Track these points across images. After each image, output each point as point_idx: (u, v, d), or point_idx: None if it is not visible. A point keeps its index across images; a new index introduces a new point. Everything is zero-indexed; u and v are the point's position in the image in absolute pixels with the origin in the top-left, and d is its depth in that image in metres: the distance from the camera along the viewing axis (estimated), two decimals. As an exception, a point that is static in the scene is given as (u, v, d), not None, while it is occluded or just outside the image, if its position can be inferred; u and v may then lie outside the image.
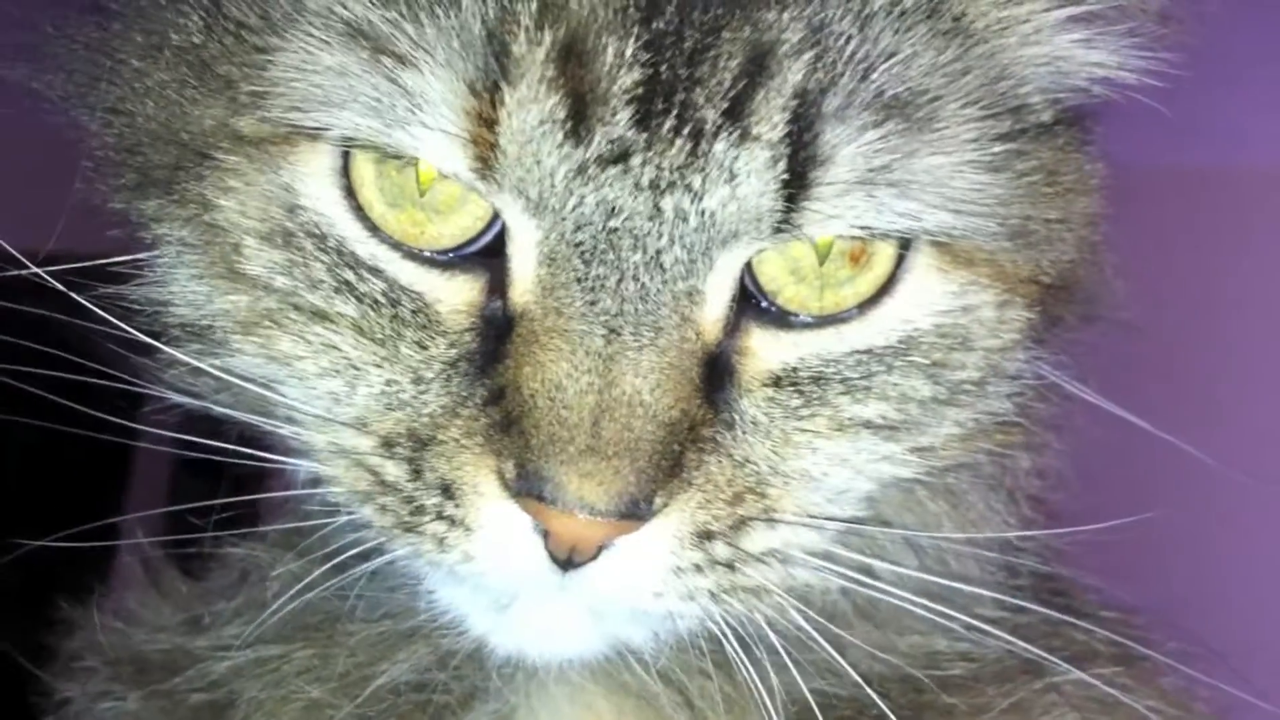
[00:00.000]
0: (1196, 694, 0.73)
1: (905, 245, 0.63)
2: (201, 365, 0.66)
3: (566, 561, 0.59)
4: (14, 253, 0.66)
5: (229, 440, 0.69)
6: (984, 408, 0.68)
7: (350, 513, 0.65)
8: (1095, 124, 0.71)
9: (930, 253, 0.63)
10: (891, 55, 0.60)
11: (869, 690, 0.66)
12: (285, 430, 0.66)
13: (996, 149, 0.62)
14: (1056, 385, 0.71)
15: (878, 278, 0.63)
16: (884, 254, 0.63)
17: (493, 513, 0.59)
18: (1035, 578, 0.75)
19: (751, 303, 0.63)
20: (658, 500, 0.59)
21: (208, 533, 0.73)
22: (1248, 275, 1.64)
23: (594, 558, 0.59)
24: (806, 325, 0.63)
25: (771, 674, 0.65)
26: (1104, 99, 0.69)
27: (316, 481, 0.73)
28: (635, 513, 0.58)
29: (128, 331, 0.66)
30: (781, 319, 0.63)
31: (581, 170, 0.57)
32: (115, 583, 0.80)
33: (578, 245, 0.58)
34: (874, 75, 0.59)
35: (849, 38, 0.59)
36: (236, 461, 0.68)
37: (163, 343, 0.67)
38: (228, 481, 0.69)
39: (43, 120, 0.69)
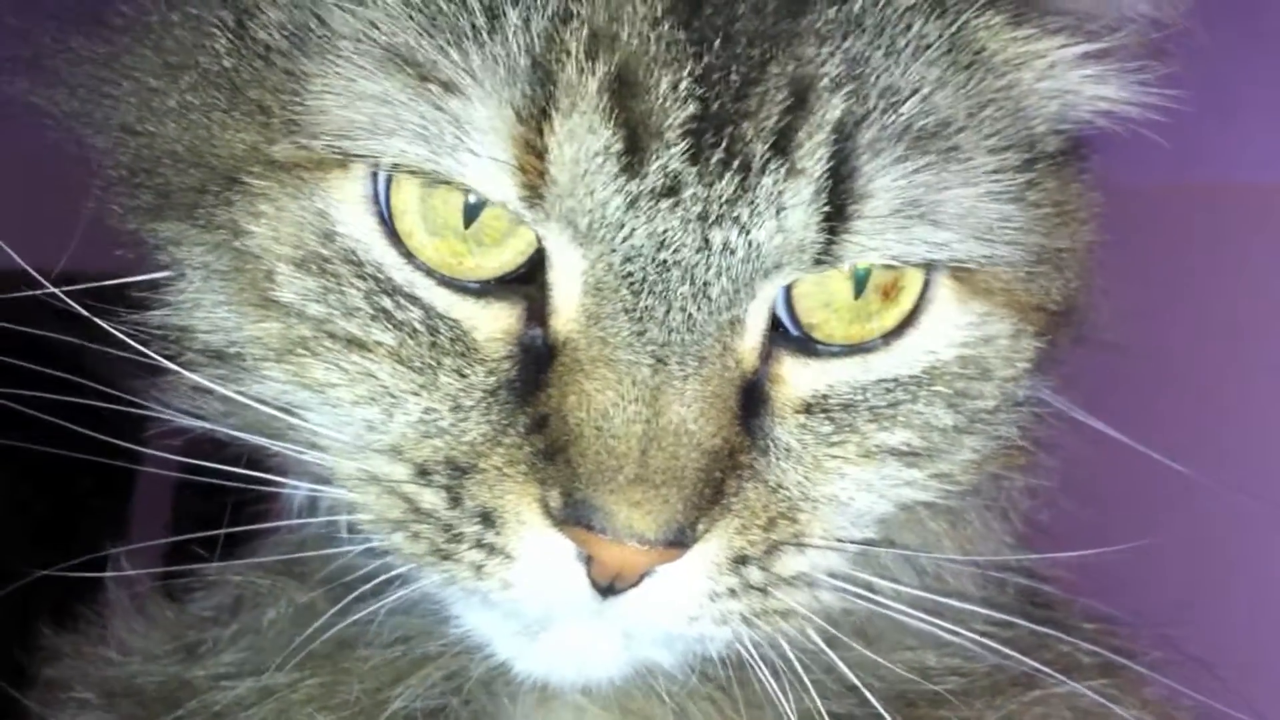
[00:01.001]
0: (1179, 703, 0.76)
1: (927, 277, 0.64)
2: (226, 391, 0.64)
3: (608, 588, 0.60)
4: (30, 270, 0.64)
5: (232, 462, 0.67)
6: (995, 434, 0.69)
7: (368, 540, 0.64)
8: (1091, 153, 0.73)
9: (950, 285, 0.65)
10: (918, 88, 0.61)
11: (875, 704, 0.67)
12: (308, 455, 0.65)
13: (1015, 180, 0.64)
14: (1054, 407, 0.73)
15: (903, 311, 0.64)
16: (912, 288, 0.64)
17: (535, 541, 0.59)
18: (1020, 591, 0.77)
19: (780, 331, 0.63)
20: (700, 527, 0.59)
21: (211, 558, 0.71)
22: (1246, 292, 1.66)
23: (635, 584, 0.60)
24: (833, 354, 0.64)
25: (790, 694, 0.66)
26: (1105, 129, 0.71)
27: (313, 506, 0.73)
28: (681, 540, 0.58)
29: (149, 356, 0.64)
30: (808, 347, 0.64)
31: (634, 203, 0.57)
32: (102, 608, 0.77)
33: (627, 276, 0.59)
34: (903, 108, 0.60)
35: (880, 71, 0.60)
36: (236, 485, 0.67)
37: (179, 365, 0.65)
38: (223, 505, 0.68)
39: (44, 137, 0.67)
